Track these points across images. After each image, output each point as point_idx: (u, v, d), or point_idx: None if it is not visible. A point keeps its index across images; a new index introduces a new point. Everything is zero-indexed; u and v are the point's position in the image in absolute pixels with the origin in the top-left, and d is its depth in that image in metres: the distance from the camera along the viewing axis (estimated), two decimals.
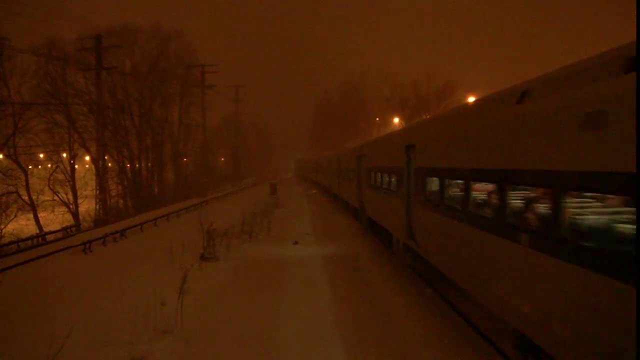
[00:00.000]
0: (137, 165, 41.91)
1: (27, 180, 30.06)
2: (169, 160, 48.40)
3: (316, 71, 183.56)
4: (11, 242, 21.55)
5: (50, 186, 32.14)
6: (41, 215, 30.52)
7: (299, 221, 24.57)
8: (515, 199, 5.86)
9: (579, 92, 4.44)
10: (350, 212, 25.30)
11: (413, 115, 54.04)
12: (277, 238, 19.06)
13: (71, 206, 33.25)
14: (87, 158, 39.48)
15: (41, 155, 36.39)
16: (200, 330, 8.53)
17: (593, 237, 4.50)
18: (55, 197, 32.24)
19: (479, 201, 7.04)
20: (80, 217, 32.70)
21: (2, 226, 26.77)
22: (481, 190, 7.08)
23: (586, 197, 4.87)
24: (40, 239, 22.28)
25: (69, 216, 32.20)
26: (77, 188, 34.13)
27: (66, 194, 33.11)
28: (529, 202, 5.55)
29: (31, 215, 29.86)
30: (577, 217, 4.67)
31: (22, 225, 28.32)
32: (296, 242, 17.88)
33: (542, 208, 5.12)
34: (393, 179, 12.85)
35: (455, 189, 8.06)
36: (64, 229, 25.21)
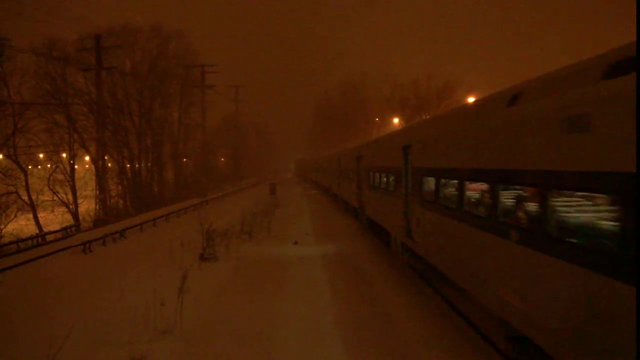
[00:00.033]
0: (136, 166, 41.91)
1: (26, 181, 30.04)
2: (168, 160, 48.40)
3: (316, 71, 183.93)
4: (11, 242, 21.55)
5: (50, 186, 32.11)
6: (41, 215, 30.50)
7: (298, 221, 24.57)
8: (505, 198, 6.16)
9: (563, 96, 4.71)
10: (350, 212, 25.32)
11: (413, 115, 54.00)
12: (277, 238, 19.06)
13: (71, 206, 33.23)
14: (87, 158, 39.46)
15: (41, 156, 36.37)
16: (200, 330, 8.54)
17: (578, 233, 4.79)
18: (55, 197, 32.22)
19: (470, 200, 7.38)
20: (80, 217, 32.68)
21: (2, 226, 26.74)
22: (472, 189, 7.42)
23: (573, 195, 5.12)
24: (40, 239, 22.29)
25: (68, 216, 32.18)
26: (76, 188, 34.10)
27: (66, 194, 33.08)
28: (516, 200, 5.89)
29: (31, 216, 29.84)
30: (562, 214, 4.96)
31: (21, 225, 28.31)
32: (296, 242, 17.87)
33: (528, 206, 5.49)
34: (391, 179, 13.09)
35: (447, 188, 8.45)
36: (63, 229, 25.20)
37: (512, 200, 6.02)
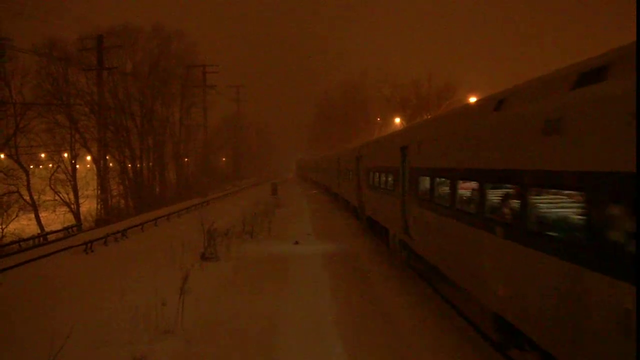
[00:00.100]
0: (138, 165, 41.96)
1: (28, 180, 30.06)
2: (170, 160, 48.49)
3: (316, 71, 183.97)
4: (12, 242, 21.57)
5: (52, 186, 32.14)
6: (42, 215, 30.52)
7: (299, 221, 24.59)
8: (492, 196, 6.60)
9: (538, 103, 5.18)
10: (350, 211, 25.39)
11: (414, 116, 53.86)
12: (278, 238, 19.09)
13: (72, 206, 33.25)
14: (89, 158, 39.55)
15: (42, 155, 36.46)
16: (201, 330, 8.56)
17: (555, 227, 5.14)
18: (57, 197, 32.24)
19: (461, 198, 7.76)
20: (82, 217, 32.70)
21: (4, 226, 26.80)
22: (463, 188, 7.79)
23: (550, 193, 5.68)
24: (41, 238, 22.30)
25: (70, 216, 32.19)
26: (78, 188, 34.13)
27: (67, 194, 33.10)
28: (501, 198, 6.32)
29: (32, 215, 29.87)
30: (542, 211, 5.46)
31: (23, 225, 28.32)
32: (297, 242, 17.89)
33: (511, 203, 5.89)
34: (390, 179, 13.45)
35: (441, 187, 8.87)
36: (65, 228, 25.21)
37: (498, 198, 6.44)
